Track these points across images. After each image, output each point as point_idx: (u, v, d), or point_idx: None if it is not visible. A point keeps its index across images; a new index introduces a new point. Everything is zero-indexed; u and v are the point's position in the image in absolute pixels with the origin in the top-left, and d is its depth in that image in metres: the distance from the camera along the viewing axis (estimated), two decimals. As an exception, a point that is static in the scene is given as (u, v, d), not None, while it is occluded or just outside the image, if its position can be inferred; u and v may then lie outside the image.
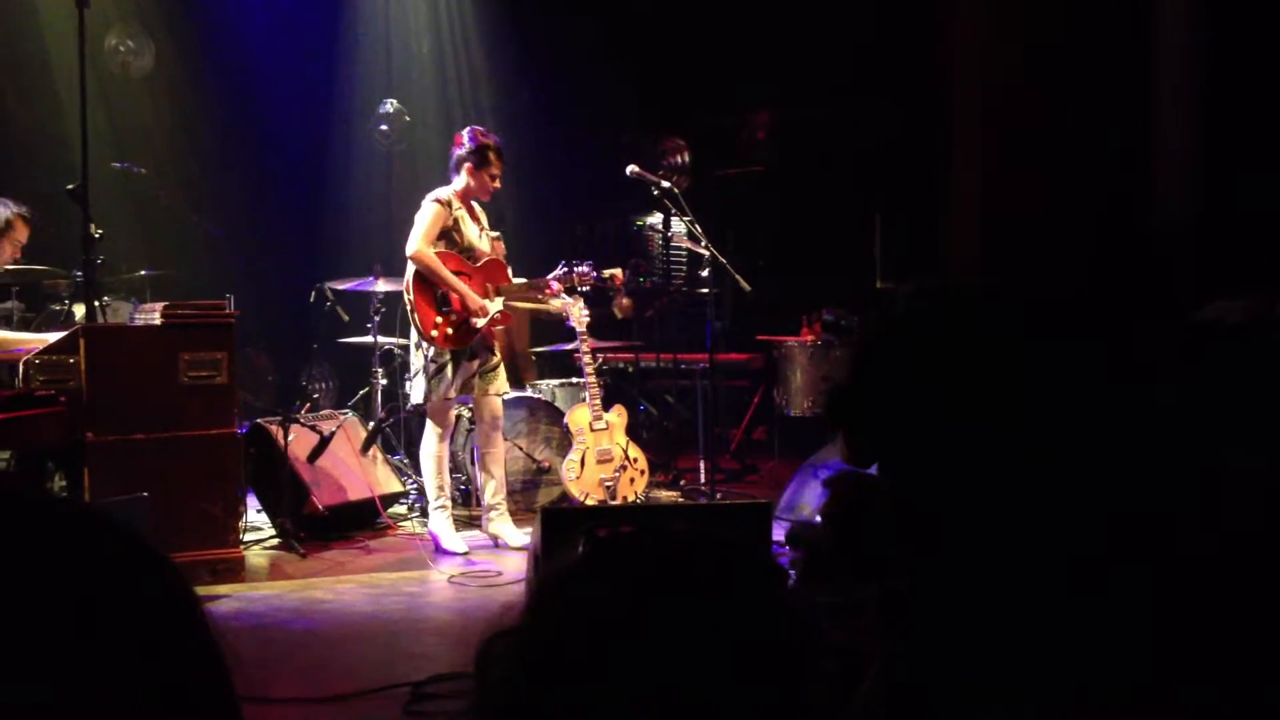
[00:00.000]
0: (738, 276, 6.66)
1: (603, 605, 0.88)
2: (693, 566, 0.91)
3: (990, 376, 1.24)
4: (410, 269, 5.98)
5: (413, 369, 6.14)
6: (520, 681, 0.88)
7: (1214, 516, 1.40)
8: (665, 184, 6.72)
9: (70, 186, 5.80)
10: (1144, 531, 1.30)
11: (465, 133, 6.17)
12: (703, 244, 6.65)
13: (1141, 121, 7.04)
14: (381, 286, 6.98)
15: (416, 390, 6.09)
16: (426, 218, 5.97)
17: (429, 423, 6.12)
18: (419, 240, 5.93)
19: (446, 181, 6.17)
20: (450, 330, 6.00)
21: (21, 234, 6.03)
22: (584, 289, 6.38)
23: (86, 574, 0.67)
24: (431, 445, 6.11)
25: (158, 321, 5.49)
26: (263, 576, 5.57)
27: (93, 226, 5.70)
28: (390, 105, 8.32)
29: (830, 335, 8.01)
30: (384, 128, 8.02)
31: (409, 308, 6.02)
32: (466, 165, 6.05)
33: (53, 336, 5.48)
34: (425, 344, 6.02)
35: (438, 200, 6.01)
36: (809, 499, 6.37)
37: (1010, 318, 1.28)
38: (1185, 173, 6.91)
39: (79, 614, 0.65)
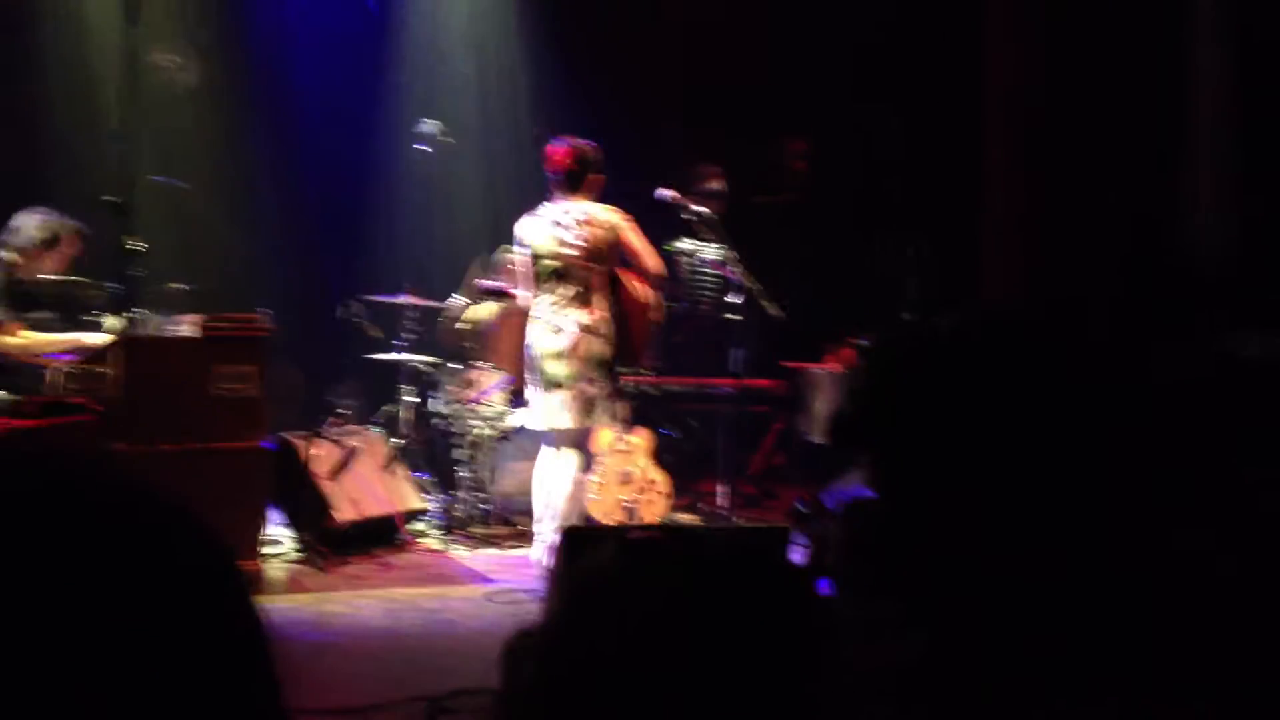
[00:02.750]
0: (765, 303, 6.71)
1: (634, 604, 0.92)
2: (721, 569, 0.95)
3: (1020, 408, 1.24)
4: (631, 292, 6.01)
5: (585, 393, 5.93)
6: (549, 678, 0.92)
7: (1231, 536, 1.39)
8: (700, 209, 6.74)
9: (110, 199, 5.93)
10: (1164, 552, 1.29)
11: (585, 143, 6.07)
12: (735, 269, 6.69)
13: (1177, 133, 7.02)
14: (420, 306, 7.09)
15: (600, 413, 6.01)
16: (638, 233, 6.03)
17: (574, 450, 6.00)
18: (657, 255, 6.06)
19: (535, 197, 6.19)
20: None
21: (70, 248, 6.10)
22: None
23: (146, 545, 0.69)
24: (576, 472, 6.02)
25: (187, 333, 5.61)
26: (281, 590, 5.65)
27: (135, 240, 5.81)
28: (431, 125, 8.44)
29: (856, 363, 8.05)
30: (423, 147, 8.14)
31: (648, 326, 6.10)
32: (597, 178, 6.04)
33: (87, 336, 5.61)
34: (616, 366, 6.04)
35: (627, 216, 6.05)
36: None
37: (1044, 352, 1.28)
38: (1221, 186, 6.89)
39: (135, 586, 0.66)
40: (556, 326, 5.92)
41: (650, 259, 6.06)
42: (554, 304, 5.95)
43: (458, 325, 7.39)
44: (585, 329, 5.90)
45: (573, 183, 5.94)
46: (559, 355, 5.89)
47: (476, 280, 6.66)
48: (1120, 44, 7.17)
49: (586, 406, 5.92)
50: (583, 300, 5.93)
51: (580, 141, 6.04)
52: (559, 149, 6.01)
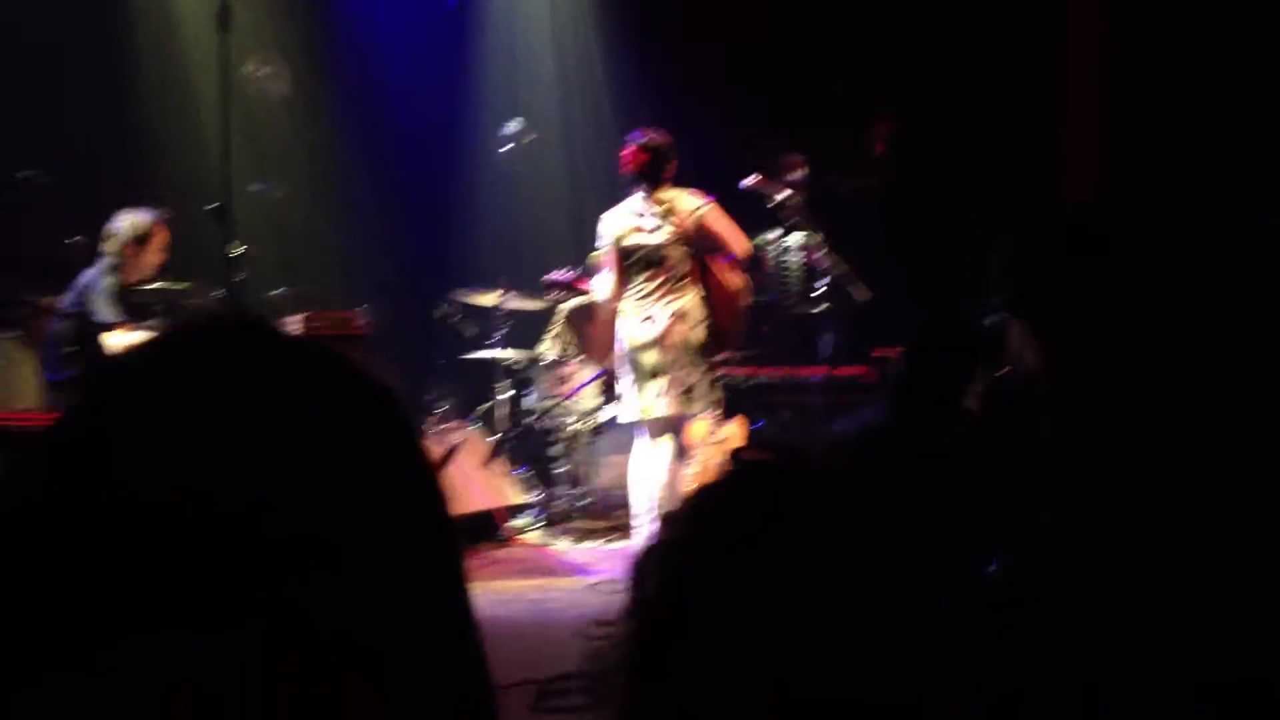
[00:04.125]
0: (852, 287, 6.69)
1: (737, 523, 0.95)
2: (823, 494, 0.97)
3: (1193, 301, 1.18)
4: (720, 277, 6.06)
5: (685, 381, 5.96)
6: (664, 593, 0.95)
7: None
8: (783, 194, 6.73)
9: (210, 206, 6.07)
10: None
11: (656, 136, 6.06)
12: (822, 253, 6.69)
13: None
14: (513, 303, 7.16)
15: (701, 398, 6.03)
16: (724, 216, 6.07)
17: (668, 440, 6.01)
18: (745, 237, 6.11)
19: (609, 193, 6.30)
20: None
21: (162, 238, 6.26)
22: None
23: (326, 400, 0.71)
24: (672, 462, 6.00)
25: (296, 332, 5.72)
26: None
27: (235, 244, 5.94)
28: (516, 124, 8.52)
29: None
30: (510, 146, 8.22)
31: (740, 310, 6.17)
32: (671, 165, 6.05)
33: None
34: (714, 351, 6.08)
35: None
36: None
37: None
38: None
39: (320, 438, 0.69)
40: (647, 315, 5.93)
41: (737, 242, 6.07)
42: (643, 294, 5.96)
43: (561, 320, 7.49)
44: (677, 316, 5.91)
45: (651, 178, 5.96)
46: (652, 344, 5.89)
47: (546, 276, 6.69)
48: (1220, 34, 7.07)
49: (685, 394, 5.91)
50: (672, 288, 5.93)
51: (646, 136, 6.02)
52: (628, 150, 6.02)
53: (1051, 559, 1.25)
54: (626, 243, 5.97)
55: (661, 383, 5.90)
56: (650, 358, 5.91)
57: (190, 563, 0.64)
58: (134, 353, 0.72)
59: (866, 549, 0.94)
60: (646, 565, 0.97)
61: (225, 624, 0.64)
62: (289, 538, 0.66)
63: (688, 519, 0.99)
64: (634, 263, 5.97)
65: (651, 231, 5.94)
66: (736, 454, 1.06)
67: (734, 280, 6.14)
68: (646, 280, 5.95)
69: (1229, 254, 1.22)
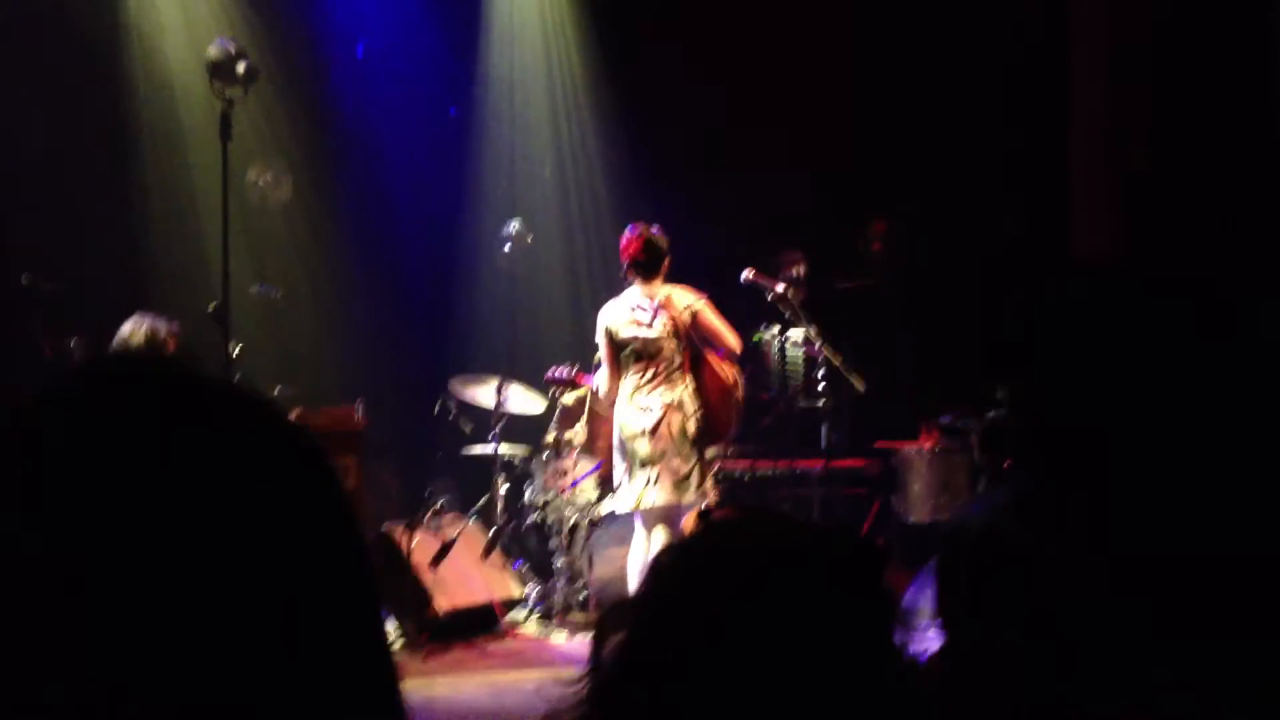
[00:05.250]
0: (851, 377, 6.72)
1: (712, 583, 0.95)
2: (799, 549, 0.97)
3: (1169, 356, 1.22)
4: (711, 365, 6.14)
5: (677, 470, 5.97)
6: (634, 649, 0.95)
7: None
8: (780, 288, 6.81)
9: (211, 307, 6.15)
10: None
11: (656, 231, 6.22)
12: (818, 345, 6.74)
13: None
14: (511, 399, 7.21)
15: (692, 489, 6.01)
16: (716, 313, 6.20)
17: (666, 530, 5.99)
18: (733, 334, 6.20)
19: (610, 286, 6.40)
20: None
21: (172, 347, 6.32)
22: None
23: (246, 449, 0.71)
24: None
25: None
26: (385, 676, 5.69)
27: (234, 344, 6.00)
28: (514, 225, 8.63)
29: (948, 441, 7.98)
30: (508, 248, 8.32)
31: (732, 404, 6.19)
32: (667, 260, 6.19)
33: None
34: (707, 442, 6.16)
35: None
36: (930, 603, 6.32)
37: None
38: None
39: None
40: (644, 406, 6.01)
41: (729, 337, 6.17)
42: (639, 385, 6.06)
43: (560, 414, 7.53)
44: (671, 407, 5.99)
45: (647, 269, 6.10)
46: (646, 433, 5.97)
47: (548, 372, 6.75)
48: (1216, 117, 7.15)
49: (679, 483, 5.95)
50: (667, 379, 6.03)
51: (647, 228, 6.20)
52: (630, 238, 6.18)
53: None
54: (622, 335, 6.08)
55: (654, 472, 5.95)
56: (644, 447, 5.97)
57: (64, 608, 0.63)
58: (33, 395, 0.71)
59: (836, 609, 0.93)
60: (611, 622, 0.98)
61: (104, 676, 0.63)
62: (183, 568, 0.65)
63: (655, 577, 0.99)
64: (629, 354, 6.07)
65: (648, 325, 6.05)
66: (704, 514, 1.07)
67: (728, 373, 6.21)
68: (640, 372, 6.05)
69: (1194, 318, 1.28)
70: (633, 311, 6.09)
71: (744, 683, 0.89)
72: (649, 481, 5.95)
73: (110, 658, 0.63)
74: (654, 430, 5.95)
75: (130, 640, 0.63)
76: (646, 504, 5.97)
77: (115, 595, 0.63)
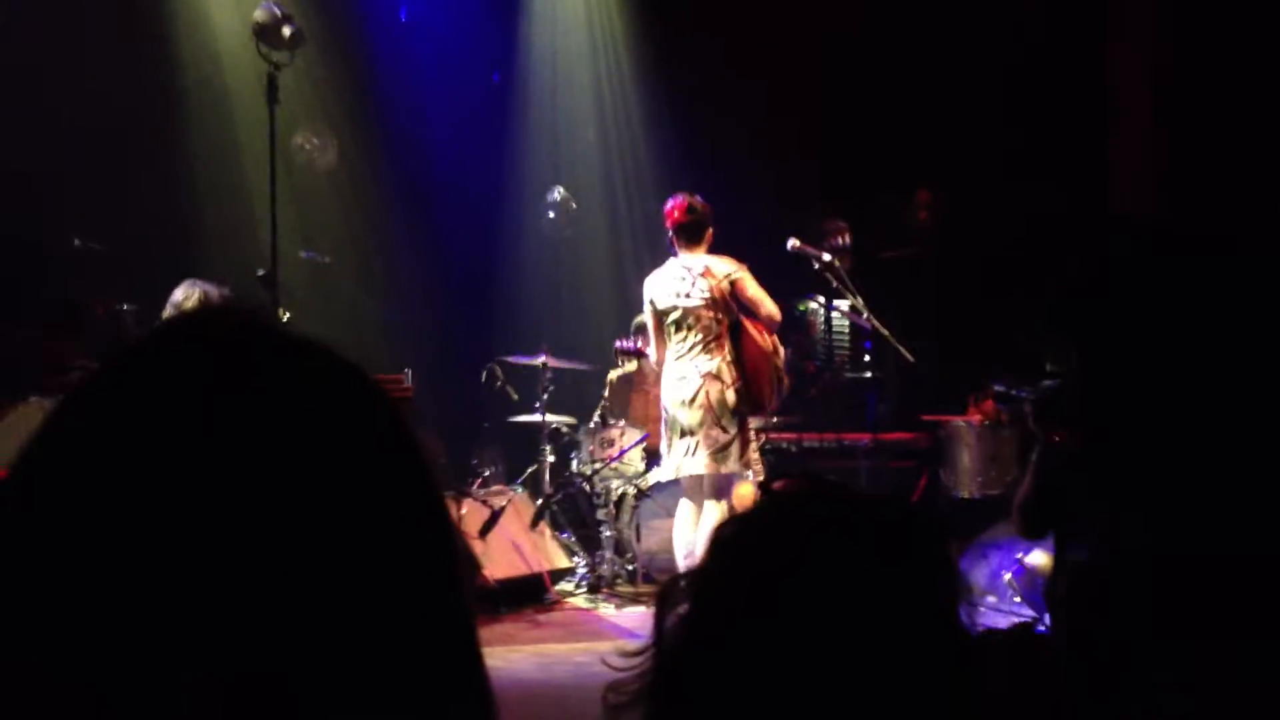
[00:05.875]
0: (900, 348, 6.67)
1: (774, 555, 0.94)
2: (861, 520, 0.96)
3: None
4: (751, 335, 6.10)
5: (716, 440, 5.98)
6: (695, 620, 0.94)
7: None
8: (827, 257, 6.76)
9: (261, 272, 6.15)
10: None
11: (699, 200, 6.21)
12: (865, 315, 6.69)
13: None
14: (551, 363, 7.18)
15: (732, 459, 6.01)
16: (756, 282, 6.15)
17: (715, 501, 6.03)
18: (771, 302, 6.15)
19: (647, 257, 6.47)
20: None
21: None
22: None
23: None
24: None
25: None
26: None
27: (282, 310, 6.00)
28: (558, 193, 8.60)
29: (1002, 405, 7.89)
30: (551, 214, 8.29)
31: (775, 371, 6.13)
32: (710, 230, 6.18)
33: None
34: (748, 413, 6.12)
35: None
36: (980, 578, 6.28)
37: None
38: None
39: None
40: (682, 375, 6.05)
41: (767, 306, 6.15)
42: (679, 355, 6.11)
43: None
44: (709, 376, 6.00)
45: (690, 235, 6.11)
46: (686, 402, 6.00)
47: (616, 342, 6.77)
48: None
49: (716, 453, 5.97)
50: (706, 349, 6.05)
51: (691, 196, 6.21)
52: (674, 204, 6.19)
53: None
54: (663, 304, 6.12)
55: (693, 441, 5.99)
56: (683, 416, 6.02)
57: (184, 558, 0.63)
58: (125, 353, 0.72)
59: (897, 579, 0.92)
60: (673, 594, 0.97)
61: (221, 622, 0.63)
62: (281, 533, 0.65)
63: (716, 549, 0.98)
64: (671, 324, 6.12)
65: (687, 294, 6.08)
66: (763, 484, 1.08)
67: (768, 342, 6.21)
68: (681, 341, 6.09)
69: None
70: (674, 281, 6.12)
71: (808, 654, 0.88)
72: (688, 451, 5.99)
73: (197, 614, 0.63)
74: (692, 400, 5.99)
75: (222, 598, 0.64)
76: (685, 472, 6.03)
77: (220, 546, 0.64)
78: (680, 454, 6.00)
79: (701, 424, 5.95)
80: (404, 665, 0.68)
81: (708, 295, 6.04)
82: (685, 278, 6.09)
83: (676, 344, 6.10)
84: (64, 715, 0.62)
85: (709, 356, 6.03)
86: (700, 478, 6.02)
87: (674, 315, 6.08)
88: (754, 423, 6.40)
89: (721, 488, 6.06)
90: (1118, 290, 1.30)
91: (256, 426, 0.67)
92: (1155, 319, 1.25)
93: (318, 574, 0.65)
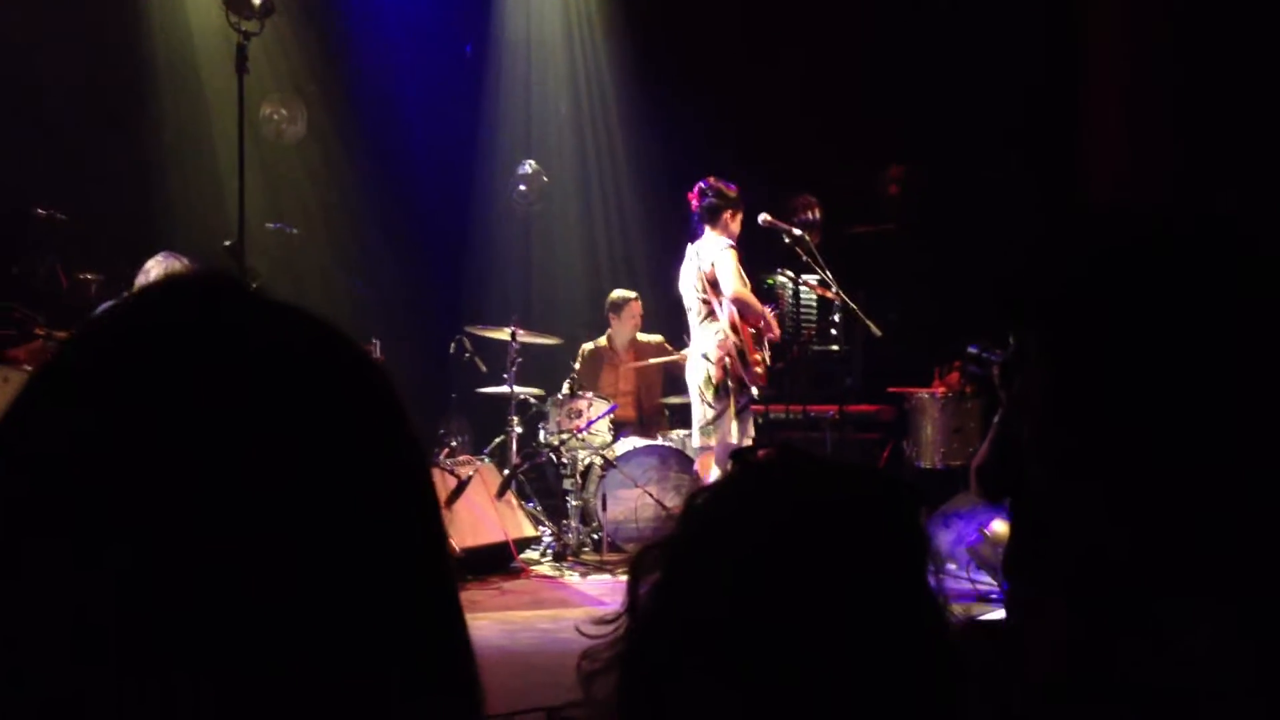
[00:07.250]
0: (868, 322, 6.73)
1: (746, 524, 0.94)
2: (834, 488, 0.96)
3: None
4: (727, 313, 6.29)
5: (705, 415, 6.35)
6: (662, 589, 0.94)
7: None
8: (797, 231, 6.82)
9: (228, 243, 6.14)
10: None
11: (715, 183, 6.46)
12: (834, 290, 6.75)
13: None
14: (521, 338, 7.21)
15: (720, 432, 6.27)
16: (733, 262, 6.31)
17: (716, 468, 6.26)
18: (735, 281, 6.28)
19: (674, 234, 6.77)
20: (765, 368, 6.48)
21: None
22: None
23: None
24: None
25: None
26: (400, 612, 5.73)
27: (250, 281, 6.01)
28: (529, 166, 8.58)
29: (973, 367, 7.94)
30: (522, 188, 8.29)
31: (736, 349, 6.29)
32: (730, 211, 6.41)
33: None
34: (733, 385, 6.31)
35: (731, 246, 6.37)
36: (941, 546, 6.35)
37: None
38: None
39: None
40: (690, 355, 6.55)
41: (726, 283, 6.30)
42: (688, 333, 6.59)
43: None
44: (700, 355, 6.38)
45: (705, 219, 6.42)
46: (690, 379, 6.47)
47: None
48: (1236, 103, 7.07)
49: (704, 428, 6.36)
50: (698, 326, 6.43)
51: (713, 181, 6.48)
52: (695, 189, 6.50)
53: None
54: (681, 288, 6.52)
55: (695, 414, 6.42)
56: (692, 394, 6.47)
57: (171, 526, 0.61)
58: (109, 315, 0.70)
59: (875, 548, 0.92)
60: (645, 562, 0.96)
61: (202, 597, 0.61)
62: (270, 506, 0.63)
63: (688, 518, 0.98)
64: (687, 306, 6.51)
65: (688, 276, 6.46)
66: (737, 453, 1.06)
67: (751, 320, 6.47)
68: (690, 320, 6.49)
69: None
70: (686, 264, 6.48)
71: (781, 623, 0.88)
72: (694, 427, 6.46)
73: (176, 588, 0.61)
74: (690, 374, 6.47)
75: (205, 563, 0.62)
76: (692, 448, 6.60)
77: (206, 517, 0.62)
78: (693, 430, 6.51)
79: (693, 402, 6.43)
80: (396, 648, 0.68)
81: (699, 276, 6.37)
82: (692, 260, 6.44)
83: (691, 325, 6.50)
84: (55, 716, 0.60)
85: (701, 336, 6.40)
86: (711, 452, 6.39)
87: (685, 298, 6.51)
88: (743, 398, 6.49)
89: (720, 461, 6.22)
90: (1100, 287, 1.21)
91: (252, 396, 0.65)
92: (1145, 319, 1.16)
93: (316, 553, 0.64)
